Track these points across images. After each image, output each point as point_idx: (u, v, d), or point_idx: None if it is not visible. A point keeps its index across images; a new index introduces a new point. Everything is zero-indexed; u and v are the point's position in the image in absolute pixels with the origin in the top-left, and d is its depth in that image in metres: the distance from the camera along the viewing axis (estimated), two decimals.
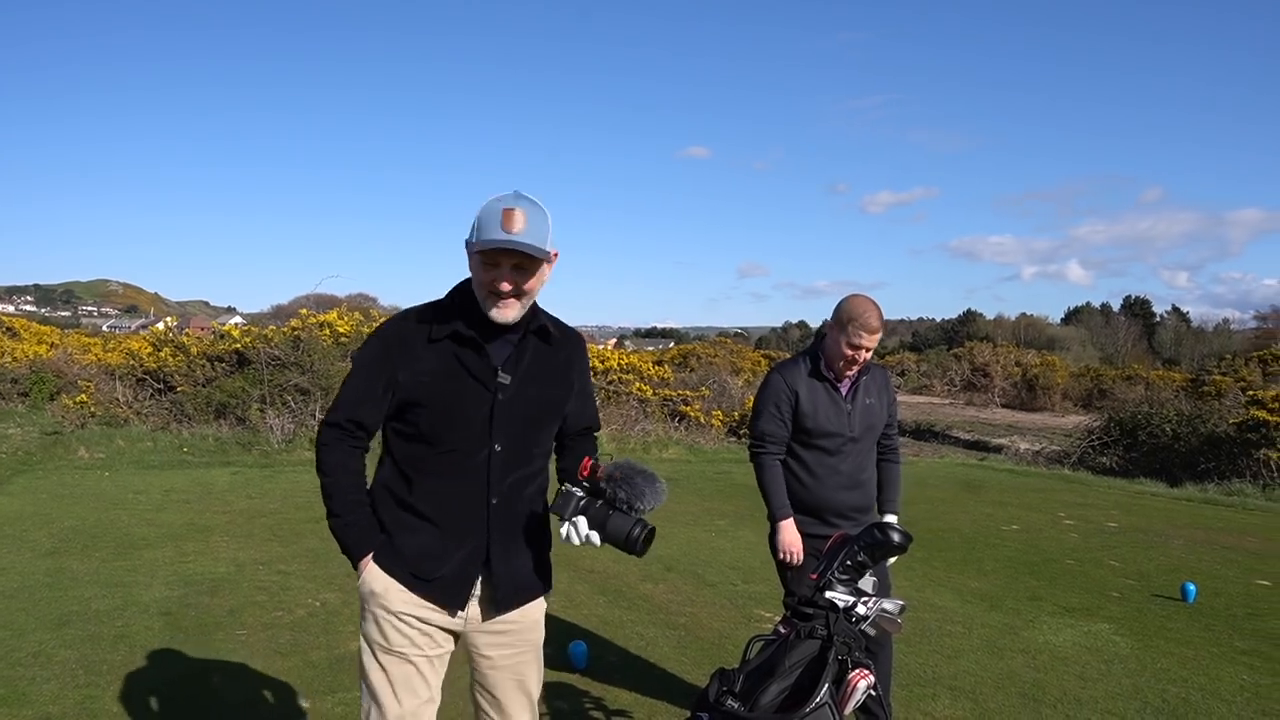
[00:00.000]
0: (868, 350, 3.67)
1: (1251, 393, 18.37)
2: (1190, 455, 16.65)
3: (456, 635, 2.54)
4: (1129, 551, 8.65)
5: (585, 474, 2.34)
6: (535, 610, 2.61)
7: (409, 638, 2.44)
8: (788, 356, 4.62)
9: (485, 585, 2.48)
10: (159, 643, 5.12)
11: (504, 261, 2.28)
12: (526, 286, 2.32)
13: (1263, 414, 15.76)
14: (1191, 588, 6.85)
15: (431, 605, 2.44)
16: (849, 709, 3.01)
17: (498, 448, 2.40)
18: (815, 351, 3.83)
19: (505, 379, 2.39)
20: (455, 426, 2.39)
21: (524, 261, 2.28)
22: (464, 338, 2.38)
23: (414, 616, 2.44)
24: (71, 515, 8.64)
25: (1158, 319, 73.45)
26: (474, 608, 2.49)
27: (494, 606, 2.50)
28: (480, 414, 2.38)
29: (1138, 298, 76.98)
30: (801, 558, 3.72)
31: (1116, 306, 77.62)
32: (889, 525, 3.20)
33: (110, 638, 5.18)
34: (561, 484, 2.43)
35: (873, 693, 3.06)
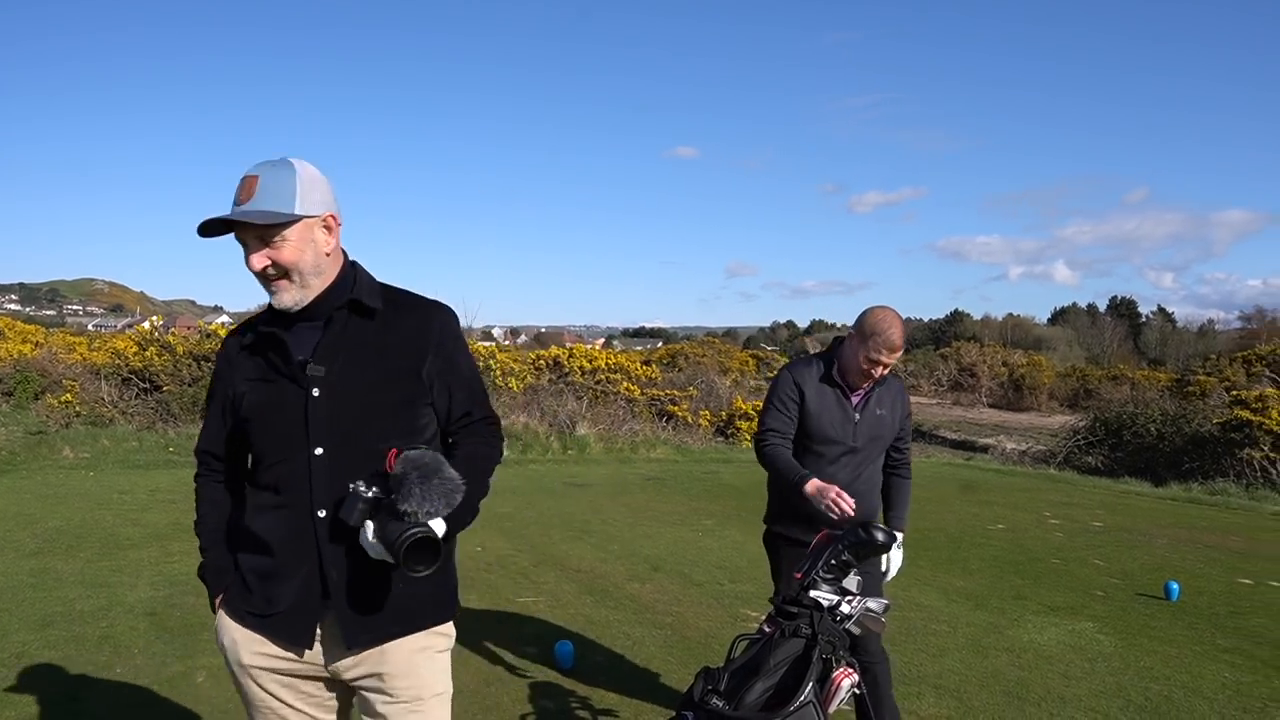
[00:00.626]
0: (885, 366, 3.58)
1: (1235, 393, 18.50)
2: (1175, 455, 16.75)
3: (340, 683, 2.18)
4: (1113, 551, 8.70)
5: (389, 469, 1.95)
6: (407, 652, 2.12)
7: (273, 693, 2.15)
8: (788, 358, 4.60)
9: (329, 620, 2.08)
10: (144, 643, 5.10)
11: (247, 238, 1.99)
12: (284, 260, 1.99)
13: (1246, 414, 15.86)
14: (1175, 586, 6.90)
15: (279, 649, 2.10)
16: (833, 708, 3.02)
17: (318, 451, 2.02)
18: (831, 356, 3.75)
19: (319, 370, 2.03)
20: (269, 432, 2.08)
21: (265, 233, 1.96)
22: (264, 335, 2.09)
23: (268, 670, 2.13)
24: (56, 515, 8.59)
25: (1143, 319, 73.84)
26: (319, 648, 2.10)
27: (342, 645, 2.08)
28: (295, 415, 2.04)
29: (1123, 298, 77.46)
30: (849, 499, 3.44)
31: (1102, 307, 78.07)
32: (872, 525, 3.22)
33: (94, 638, 5.16)
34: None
35: (857, 691, 3.08)
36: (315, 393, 2.03)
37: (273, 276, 2.01)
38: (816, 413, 3.68)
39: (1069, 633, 5.91)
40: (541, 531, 8.65)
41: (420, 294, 2.21)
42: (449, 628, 2.21)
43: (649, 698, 4.53)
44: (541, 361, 18.72)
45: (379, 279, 2.20)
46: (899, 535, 3.84)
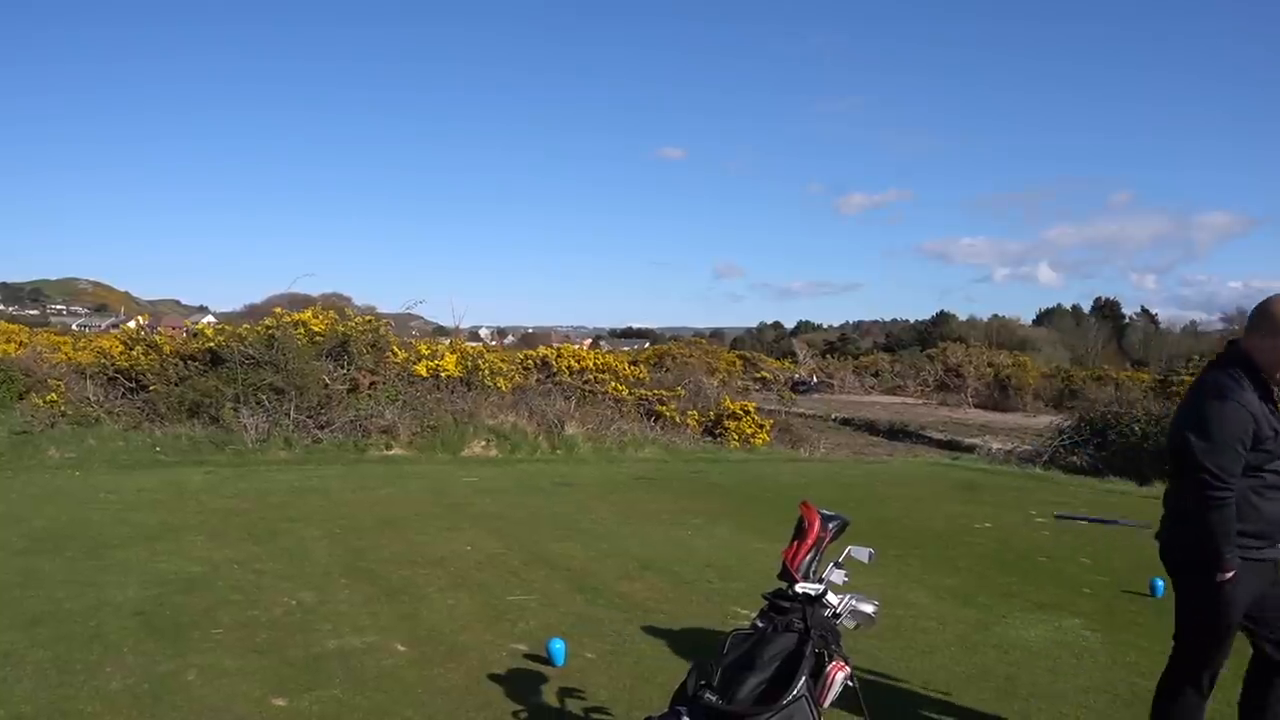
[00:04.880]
0: None
1: None
2: (1159, 454, 16.83)
3: None
4: (1099, 549, 8.76)
5: None
6: None
7: None
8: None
9: None
10: (133, 642, 5.09)
11: None
12: None
13: None
14: (1160, 583, 6.95)
15: None
16: (828, 701, 3.05)
17: None
18: (1248, 363, 3.44)
19: None
20: None
21: None
22: None
23: None
24: (42, 515, 8.55)
25: (1127, 320, 74.33)
26: None
27: None
28: None
29: (1107, 299, 77.85)
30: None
31: (1087, 308, 78.49)
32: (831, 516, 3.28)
33: (84, 637, 5.14)
34: None
35: (850, 684, 3.10)
36: None
37: None
38: (1268, 435, 3.38)
39: (1056, 629, 5.95)
40: (531, 530, 8.66)
41: None
42: None
43: (641, 694, 4.55)
44: (530, 361, 18.71)
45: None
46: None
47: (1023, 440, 22.92)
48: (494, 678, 4.75)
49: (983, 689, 4.79)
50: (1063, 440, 19.40)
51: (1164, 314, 76.44)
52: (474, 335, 50.32)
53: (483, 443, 15.00)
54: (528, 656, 5.08)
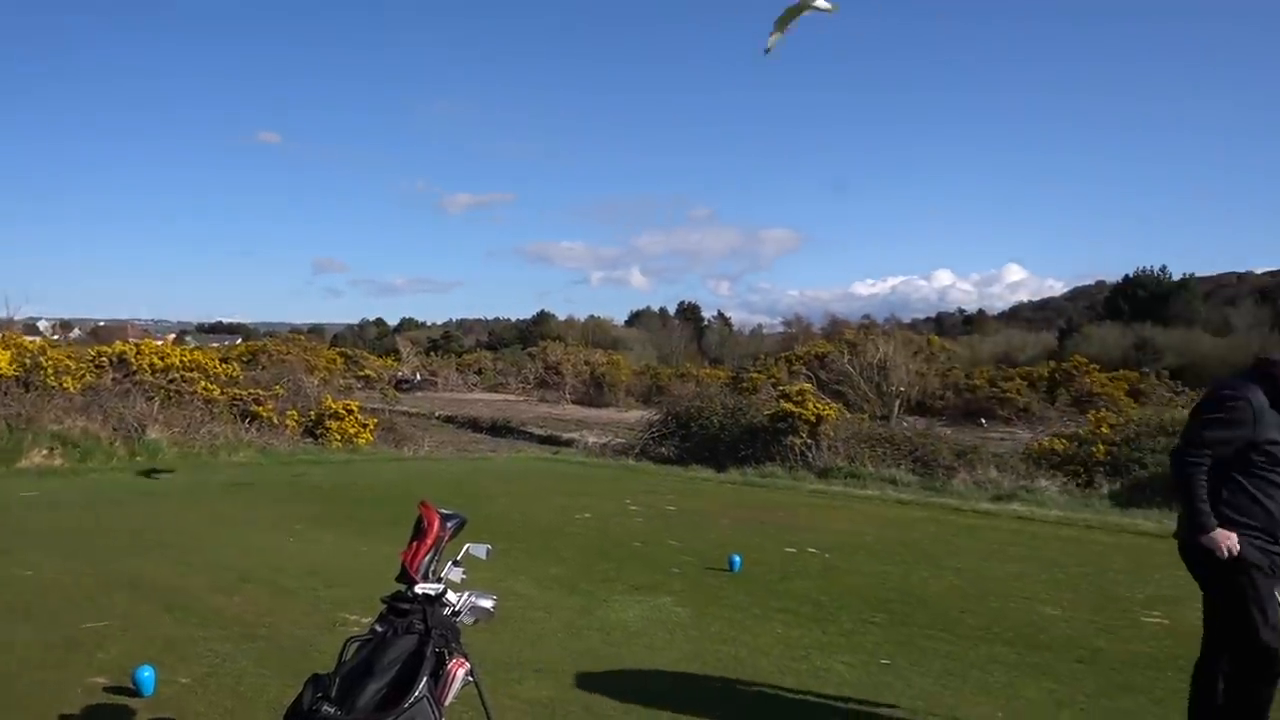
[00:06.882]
0: None
1: (780, 388, 21.17)
2: (733, 443, 18.76)
3: None
4: (686, 531, 9.57)
5: None
6: None
7: None
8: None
9: None
10: None
11: None
12: None
13: (789, 406, 18.18)
14: (737, 559, 7.76)
15: None
16: (449, 699, 3.05)
17: None
18: (1263, 380, 3.79)
19: None
20: None
21: None
22: None
23: None
24: None
25: (706, 323, 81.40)
26: None
27: None
28: None
29: (690, 303, 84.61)
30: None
31: (672, 310, 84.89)
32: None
33: None
34: None
35: (471, 679, 3.13)
36: None
37: None
38: (1275, 439, 3.73)
39: (651, 608, 6.42)
40: (108, 547, 7.74)
41: None
42: None
43: (245, 715, 4.25)
44: (104, 359, 16.71)
45: None
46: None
47: (616, 434, 24.41)
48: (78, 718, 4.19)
49: (588, 670, 5.04)
50: (652, 433, 20.93)
51: (737, 317, 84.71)
52: (31, 328, 43.93)
53: (44, 451, 13.13)
54: (110, 690, 4.52)
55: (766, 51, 2.62)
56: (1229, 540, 3.65)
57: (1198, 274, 62.51)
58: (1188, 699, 3.98)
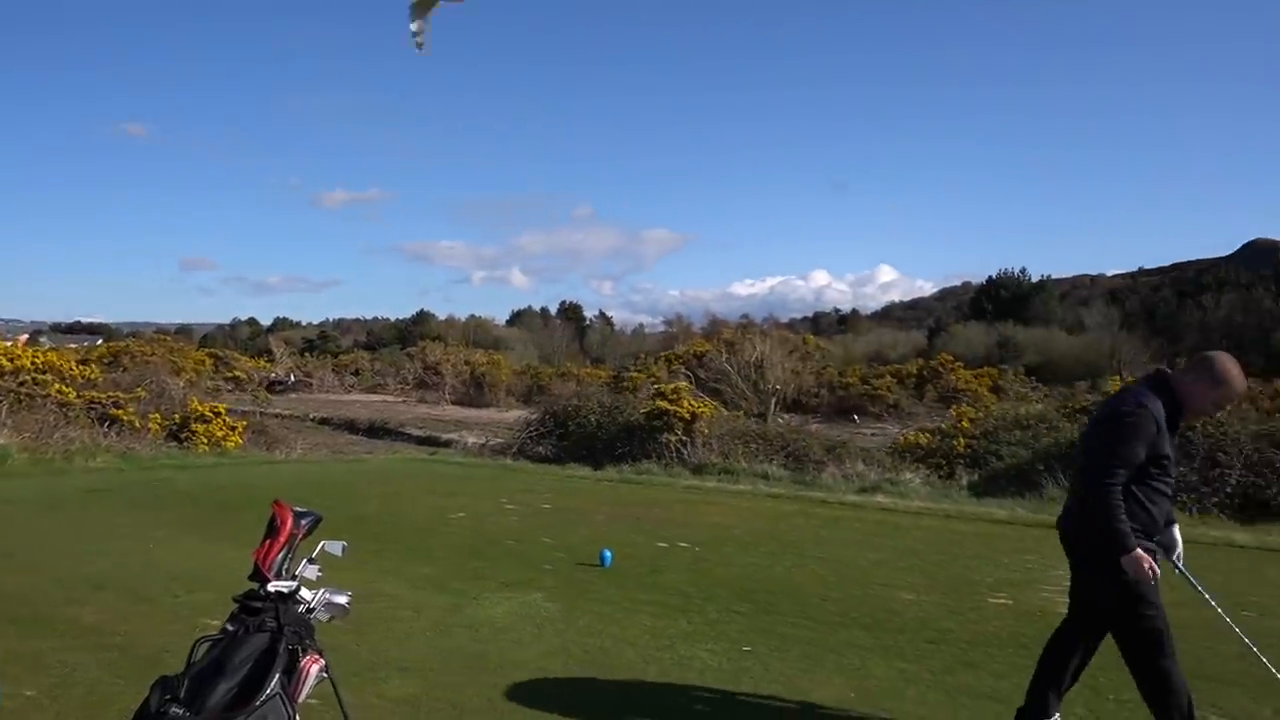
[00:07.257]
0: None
1: (658, 387, 21.45)
2: (610, 441, 18.94)
3: None
4: (560, 528, 9.65)
5: None
6: None
7: None
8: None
9: None
10: None
11: None
12: None
13: (666, 404, 18.46)
14: (608, 554, 7.88)
15: None
16: (303, 696, 3.06)
17: None
18: (1169, 391, 3.95)
19: None
20: None
21: None
22: None
23: None
24: None
25: (588, 323, 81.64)
26: None
27: None
28: None
29: (571, 303, 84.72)
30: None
31: (554, 310, 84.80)
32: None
33: None
34: None
35: (325, 675, 3.14)
36: None
37: None
38: (1166, 453, 3.91)
39: (521, 604, 6.47)
40: None
41: None
42: None
43: None
44: None
45: None
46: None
47: (496, 434, 24.33)
48: None
49: (455, 667, 5.06)
50: (530, 432, 20.94)
51: (618, 317, 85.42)
52: None
53: None
54: None
55: (419, 47, 2.35)
56: (1148, 562, 3.78)
57: (1055, 275, 66.12)
58: (1034, 670, 4.19)
